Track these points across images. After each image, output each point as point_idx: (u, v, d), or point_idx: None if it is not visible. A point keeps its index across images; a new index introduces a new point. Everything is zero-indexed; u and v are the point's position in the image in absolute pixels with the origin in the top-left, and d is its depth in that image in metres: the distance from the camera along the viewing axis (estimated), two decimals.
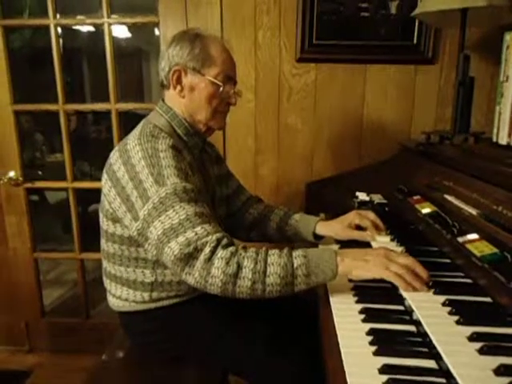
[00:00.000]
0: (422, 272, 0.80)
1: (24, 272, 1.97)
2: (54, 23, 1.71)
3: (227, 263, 0.81)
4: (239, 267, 0.81)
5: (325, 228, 1.14)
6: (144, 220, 0.87)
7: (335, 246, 1.12)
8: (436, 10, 1.27)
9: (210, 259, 0.81)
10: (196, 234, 0.82)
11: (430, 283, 0.80)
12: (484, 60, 1.56)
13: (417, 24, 1.57)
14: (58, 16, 1.72)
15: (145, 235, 0.89)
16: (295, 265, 0.82)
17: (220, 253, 0.82)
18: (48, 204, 3.35)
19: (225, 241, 0.84)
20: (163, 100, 1.07)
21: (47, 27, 1.72)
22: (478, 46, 1.57)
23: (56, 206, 3.26)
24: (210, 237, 0.83)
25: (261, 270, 0.81)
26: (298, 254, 0.84)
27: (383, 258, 0.82)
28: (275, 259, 0.82)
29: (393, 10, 1.57)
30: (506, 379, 0.54)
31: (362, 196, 1.46)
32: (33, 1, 2.30)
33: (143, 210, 0.87)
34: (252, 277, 0.81)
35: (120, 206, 0.93)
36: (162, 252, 0.85)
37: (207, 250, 0.81)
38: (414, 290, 0.78)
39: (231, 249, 0.83)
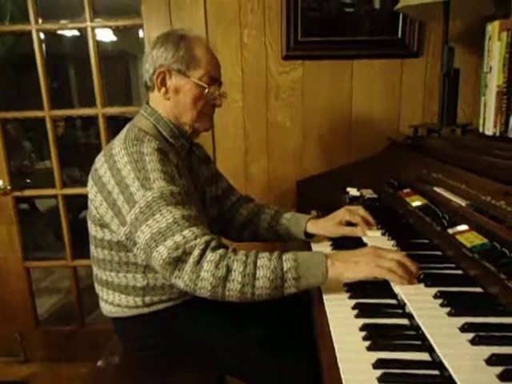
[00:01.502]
0: (412, 265, 0.81)
1: (16, 281, 1.95)
2: (35, 28, 1.69)
3: (216, 266, 0.80)
4: (229, 270, 0.80)
5: (315, 226, 1.14)
6: (131, 225, 0.86)
7: (327, 244, 1.12)
8: (419, 3, 1.27)
9: (199, 262, 0.81)
10: (184, 237, 0.82)
11: (421, 276, 0.80)
12: (468, 52, 1.57)
13: (401, 18, 1.57)
14: (40, 21, 1.70)
15: (133, 240, 0.88)
16: (285, 268, 0.81)
17: (209, 256, 0.81)
18: (38, 212, 3.31)
19: (213, 243, 0.83)
20: (148, 103, 1.06)
21: (29, 33, 1.69)
22: (461, 38, 1.58)
23: (47, 213, 3.23)
24: (198, 240, 0.82)
25: (250, 272, 0.80)
26: (287, 257, 0.83)
27: (372, 256, 0.82)
28: (265, 262, 0.82)
29: (376, 5, 1.58)
30: (498, 368, 0.54)
31: (352, 191, 1.47)
32: (14, 6, 2.28)
33: (130, 215, 0.86)
34: (241, 280, 0.80)
35: (107, 211, 0.92)
36: (151, 256, 0.84)
37: (196, 253, 0.81)
38: (408, 282, 0.78)
39: (220, 251, 0.82)
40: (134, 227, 0.86)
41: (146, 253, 0.85)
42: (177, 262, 0.81)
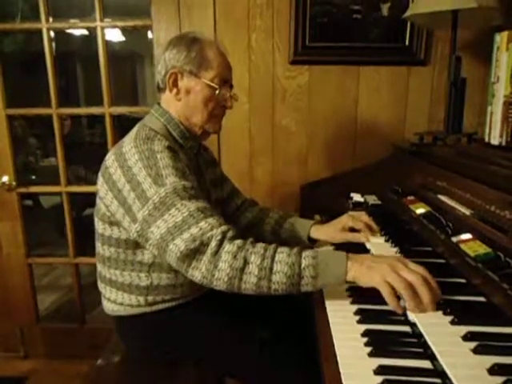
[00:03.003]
0: (427, 294, 0.71)
1: (18, 277, 1.96)
2: (46, 27, 1.70)
3: (234, 257, 0.80)
4: (246, 262, 0.80)
5: (319, 232, 1.14)
6: (144, 221, 0.86)
7: (330, 248, 1.12)
8: (427, 11, 1.28)
9: (217, 253, 0.81)
10: (200, 229, 0.82)
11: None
12: (476, 61, 1.58)
13: (409, 26, 1.58)
14: (50, 20, 1.71)
15: (145, 236, 0.87)
16: (303, 265, 0.80)
17: (227, 247, 0.81)
18: (42, 209, 3.33)
19: (230, 233, 0.83)
20: (159, 103, 1.07)
21: (40, 31, 1.71)
22: (469, 47, 1.58)
23: (50, 210, 3.24)
24: (214, 230, 0.82)
25: (267, 266, 0.80)
26: (307, 254, 0.81)
27: (388, 268, 0.75)
28: (283, 257, 0.81)
29: (385, 12, 1.58)
30: (500, 378, 0.54)
31: (356, 197, 1.47)
32: (25, 5, 2.30)
33: (142, 211, 0.86)
34: (258, 273, 0.79)
35: (118, 209, 0.92)
36: (166, 250, 0.83)
37: (213, 243, 0.81)
38: (402, 310, 0.73)
39: (238, 242, 0.82)
40: (147, 223, 0.86)
41: (160, 247, 0.85)
42: (195, 253, 0.81)
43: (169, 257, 0.84)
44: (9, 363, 1.98)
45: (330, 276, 0.79)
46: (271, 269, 0.80)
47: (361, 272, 0.77)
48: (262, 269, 0.79)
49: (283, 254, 0.81)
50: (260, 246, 0.83)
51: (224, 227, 0.84)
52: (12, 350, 2.01)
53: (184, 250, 0.81)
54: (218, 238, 0.81)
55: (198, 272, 0.82)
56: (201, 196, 0.90)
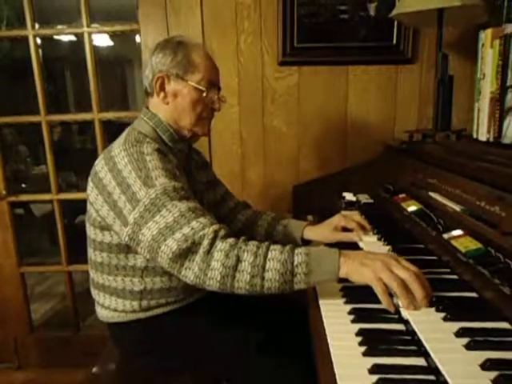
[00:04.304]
0: (419, 290, 0.72)
1: (11, 287, 1.94)
2: (32, 34, 1.69)
3: (226, 255, 0.79)
4: (238, 260, 0.80)
5: (311, 233, 1.15)
6: (135, 223, 0.86)
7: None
8: (413, 10, 1.29)
9: (209, 252, 0.80)
10: (192, 228, 0.81)
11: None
12: (462, 58, 1.59)
13: (396, 25, 1.59)
14: (36, 26, 1.70)
15: (136, 239, 0.87)
16: (295, 262, 0.79)
17: (219, 245, 0.81)
18: (34, 217, 3.29)
19: (222, 232, 0.83)
20: (147, 107, 1.07)
21: (26, 38, 1.70)
22: (455, 45, 1.60)
23: (42, 218, 3.21)
24: (206, 229, 0.82)
25: (260, 264, 0.79)
26: (299, 251, 0.81)
27: (381, 265, 0.75)
28: (276, 255, 0.80)
29: (371, 12, 1.59)
30: (493, 373, 0.54)
31: (348, 196, 1.48)
32: (10, 12, 2.28)
33: (133, 214, 0.86)
34: (251, 271, 0.79)
35: (108, 212, 0.92)
36: (158, 251, 0.83)
37: (205, 243, 0.80)
38: (394, 308, 0.73)
39: (230, 241, 0.82)
40: (138, 225, 0.85)
41: (151, 249, 0.84)
42: (187, 253, 0.80)
43: (161, 258, 0.83)
44: (3, 374, 1.95)
45: (323, 272, 0.79)
46: (264, 266, 0.79)
47: (353, 268, 0.77)
48: (255, 266, 0.79)
49: (276, 252, 0.81)
50: (253, 243, 0.83)
51: (216, 226, 0.84)
52: (5, 361, 1.99)
53: (176, 250, 0.80)
54: (210, 236, 0.81)
55: (190, 272, 0.81)
56: (191, 197, 0.90)
